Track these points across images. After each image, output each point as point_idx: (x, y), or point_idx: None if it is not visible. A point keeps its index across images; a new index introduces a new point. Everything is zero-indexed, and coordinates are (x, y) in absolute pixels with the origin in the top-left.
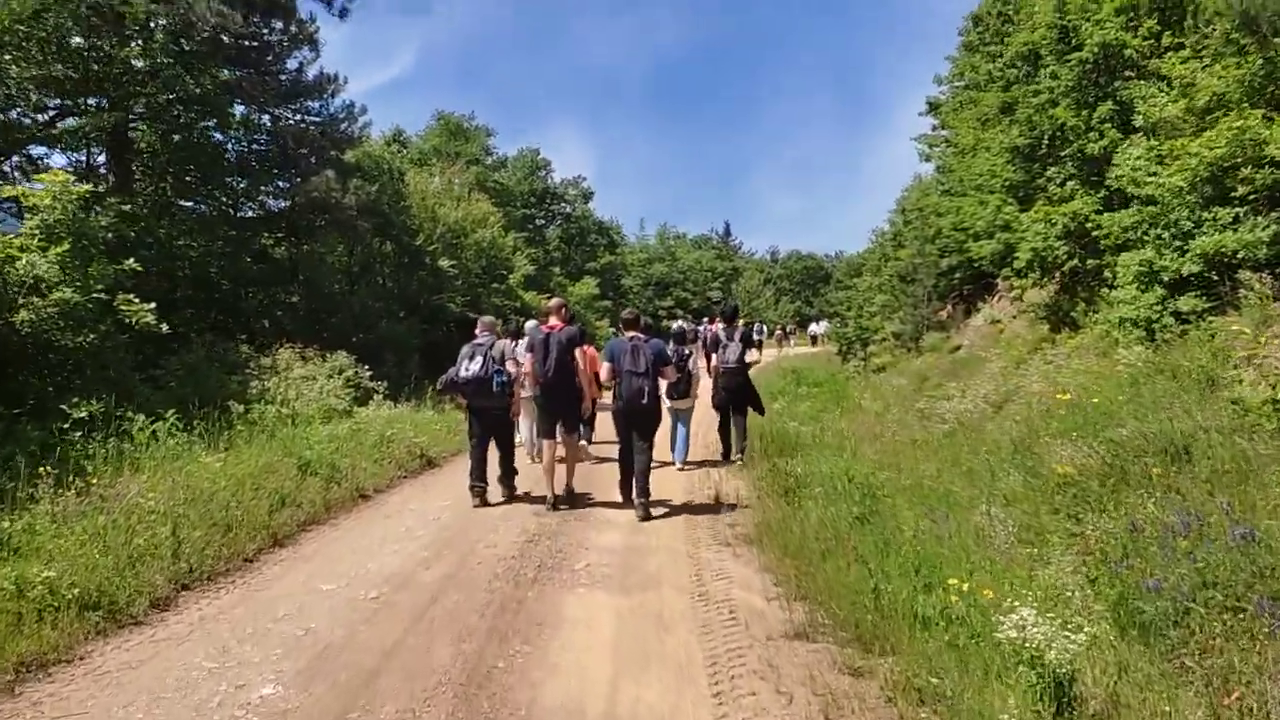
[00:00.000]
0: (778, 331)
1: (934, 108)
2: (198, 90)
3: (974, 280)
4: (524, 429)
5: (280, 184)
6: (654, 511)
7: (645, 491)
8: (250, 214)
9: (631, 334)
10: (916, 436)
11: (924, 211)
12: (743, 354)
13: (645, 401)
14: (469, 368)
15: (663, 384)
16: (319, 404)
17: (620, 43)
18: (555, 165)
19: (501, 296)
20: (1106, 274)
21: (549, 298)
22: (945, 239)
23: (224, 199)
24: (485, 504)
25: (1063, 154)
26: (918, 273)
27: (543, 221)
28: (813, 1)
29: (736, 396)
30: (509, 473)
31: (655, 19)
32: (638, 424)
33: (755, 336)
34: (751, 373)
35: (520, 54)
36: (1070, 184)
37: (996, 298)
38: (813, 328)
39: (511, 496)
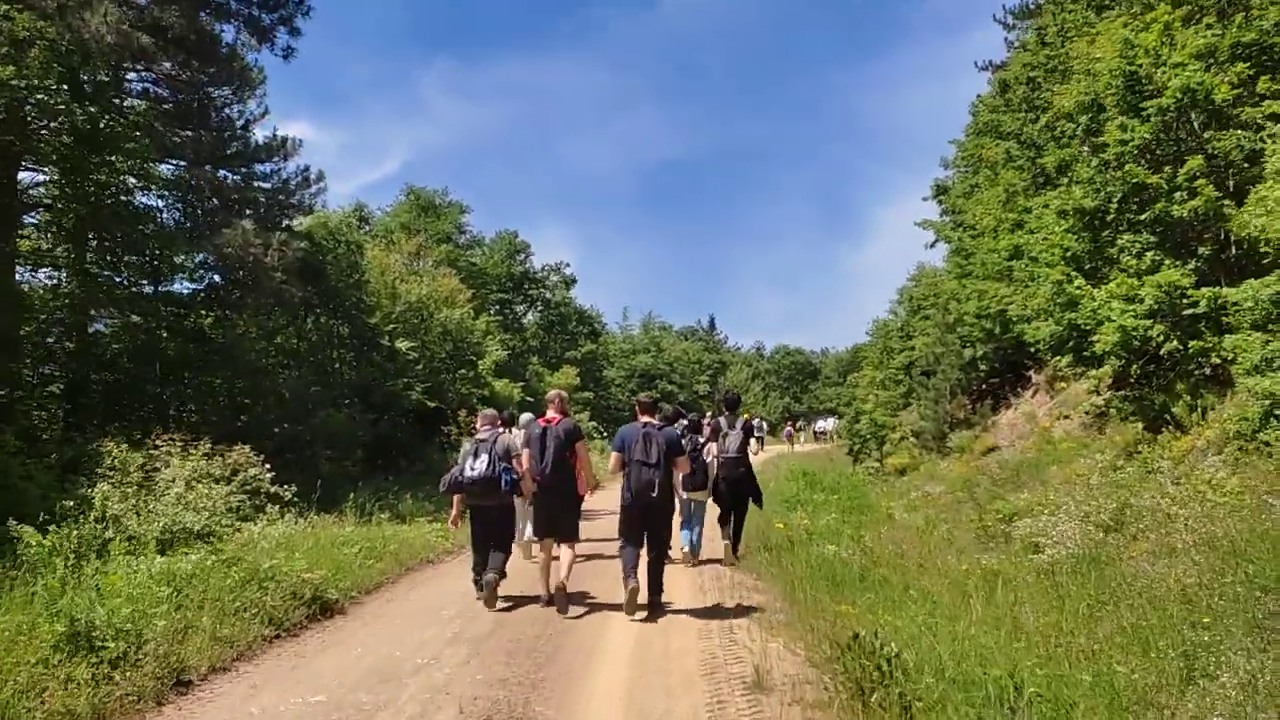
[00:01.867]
0: (787, 428)
1: (941, 191)
2: (94, 128)
3: (1001, 372)
4: (520, 529)
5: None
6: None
7: (659, 587)
8: (185, 289)
9: (645, 420)
10: (998, 568)
11: (940, 298)
12: (744, 444)
13: (655, 495)
14: (474, 466)
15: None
16: (168, 521)
17: (607, 151)
18: (535, 251)
19: (469, 384)
20: (1214, 359)
21: (522, 396)
22: (968, 326)
23: (147, 266)
24: (494, 597)
25: (1139, 218)
26: (939, 364)
27: (521, 307)
28: (793, 119)
29: (737, 488)
30: (500, 568)
31: (640, 131)
32: (647, 518)
33: (756, 433)
34: (757, 472)
35: (509, 159)
36: (1150, 254)
37: (1031, 392)
38: (819, 424)
39: (493, 594)
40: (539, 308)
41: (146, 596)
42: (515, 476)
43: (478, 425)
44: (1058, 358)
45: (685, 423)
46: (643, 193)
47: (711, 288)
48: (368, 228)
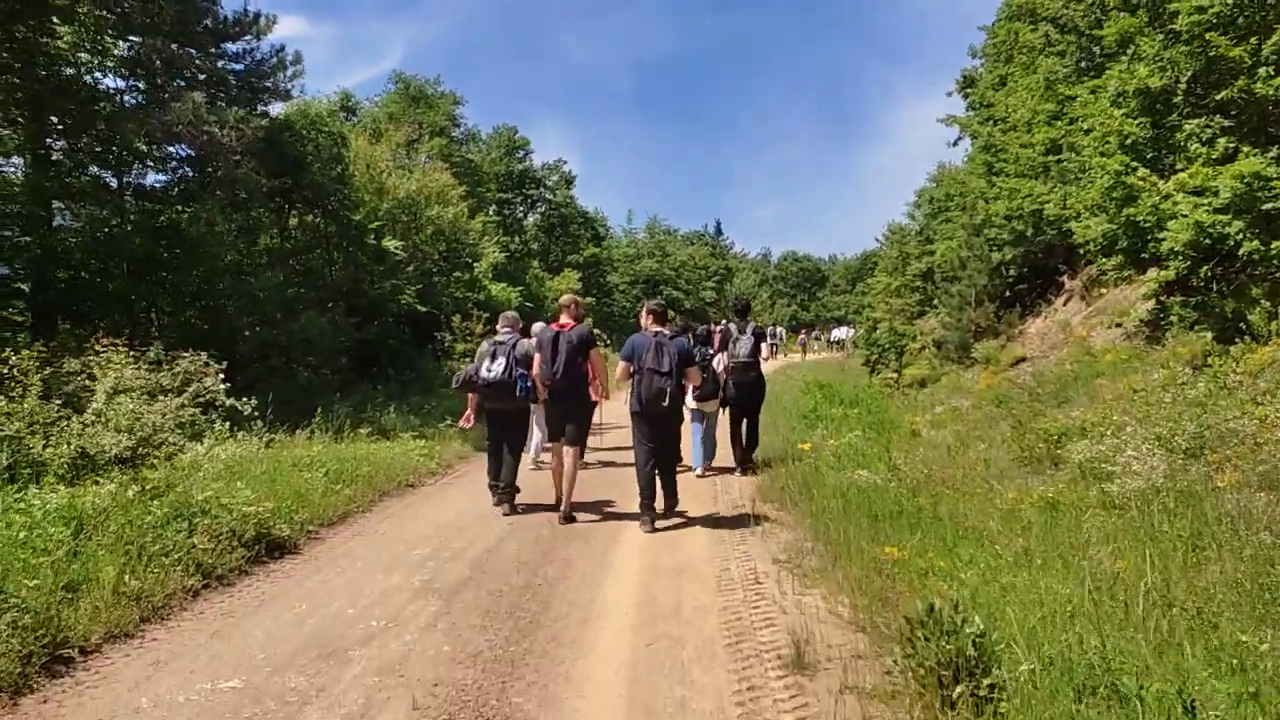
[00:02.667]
0: (801, 336)
1: (969, 83)
2: None
3: (1030, 277)
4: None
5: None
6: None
7: (673, 494)
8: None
9: (656, 329)
10: (1054, 497)
11: (965, 198)
12: (755, 349)
13: (666, 404)
14: (490, 368)
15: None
16: (81, 443)
17: (604, 46)
18: (535, 149)
19: (464, 288)
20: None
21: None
22: (996, 228)
23: (109, 155)
24: (514, 510)
25: (1213, 99)
26: (964, 269)
27: (520, 208)
28: (794, 12)
29: (748, 394)
30: (510, 484)
31: (639, 24)
32: (657, 427)
33: (772, 342)
34: (770, 384)
35: (504, 55)
36: (1223, 140)
37: (1064, 299)
38: (836, 333)
39: (503, 507)
40: (539, 209)
41: (34, 542)
42: (530, 382)
43: (498, 326)
44: (1104, 260)
45: (693, 334)
46: (641, 90)
47: (714, 192)
48: (354, 119)
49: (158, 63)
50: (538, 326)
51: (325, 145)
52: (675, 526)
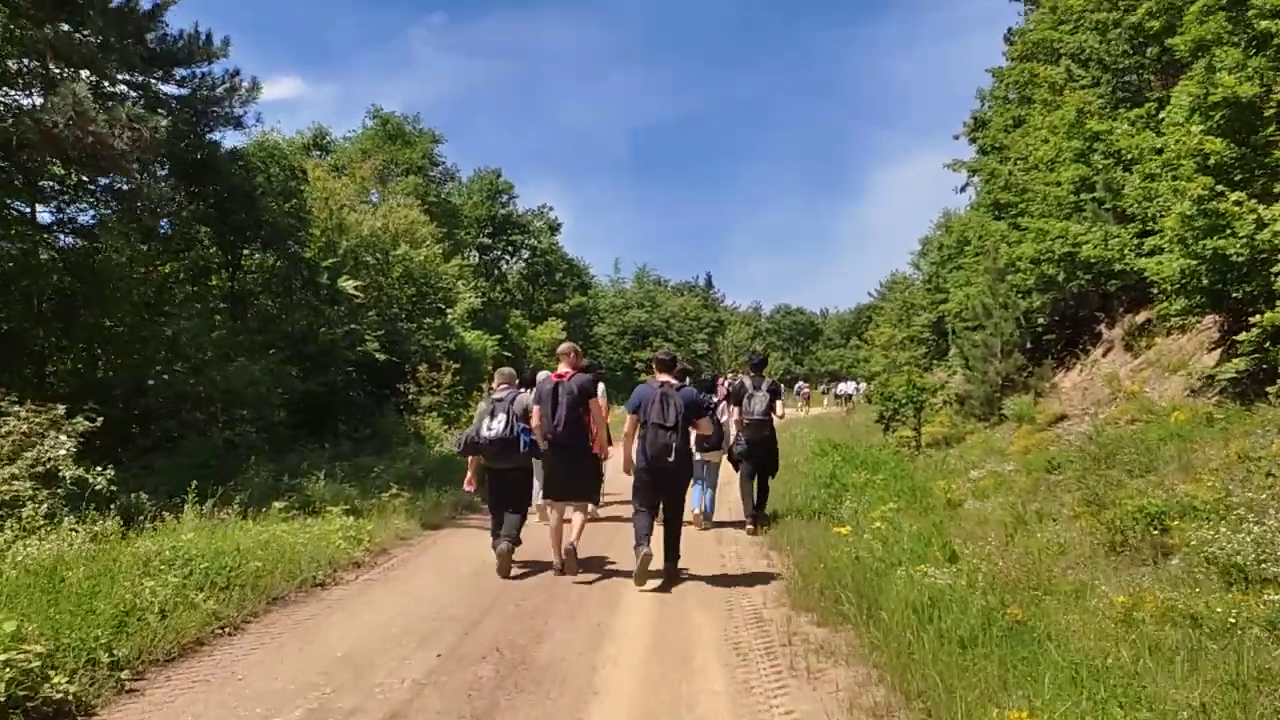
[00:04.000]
0: (804, 389)
1: (979, 125)
2: None
3: (1060, 326)
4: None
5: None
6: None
7: (676, 554)
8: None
9: (664, 379)
10: (1191, 609)
11: (984, 241)
12: (770, 406)
13: (672, 460)
14: (491, 427)
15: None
16: None
17: (599, 111)
18: (520, 194)
19: (431, 335)
20: None
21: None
22: (1023, 273)
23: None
24: (508, 566)
25: None
26: (989, 317)
27: (504, 255)
28: (784, 80)
29: (761, 451)
30: (515, 534)
31: (633, 90)
32: (664, 486)
33: (805, 391)
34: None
35: (499, 117)
36: None
37: (1103, 350)
38: (842, 387)
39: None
40: (523, 256)
41: None
42: (533, 438)
43: (495, 384)
44: (1167, 304)
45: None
46: (634, 153)
47: (703, 250)
48: (326, 156)
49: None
50: (541, 376)
51: (279, 178)
52: (679, 640)
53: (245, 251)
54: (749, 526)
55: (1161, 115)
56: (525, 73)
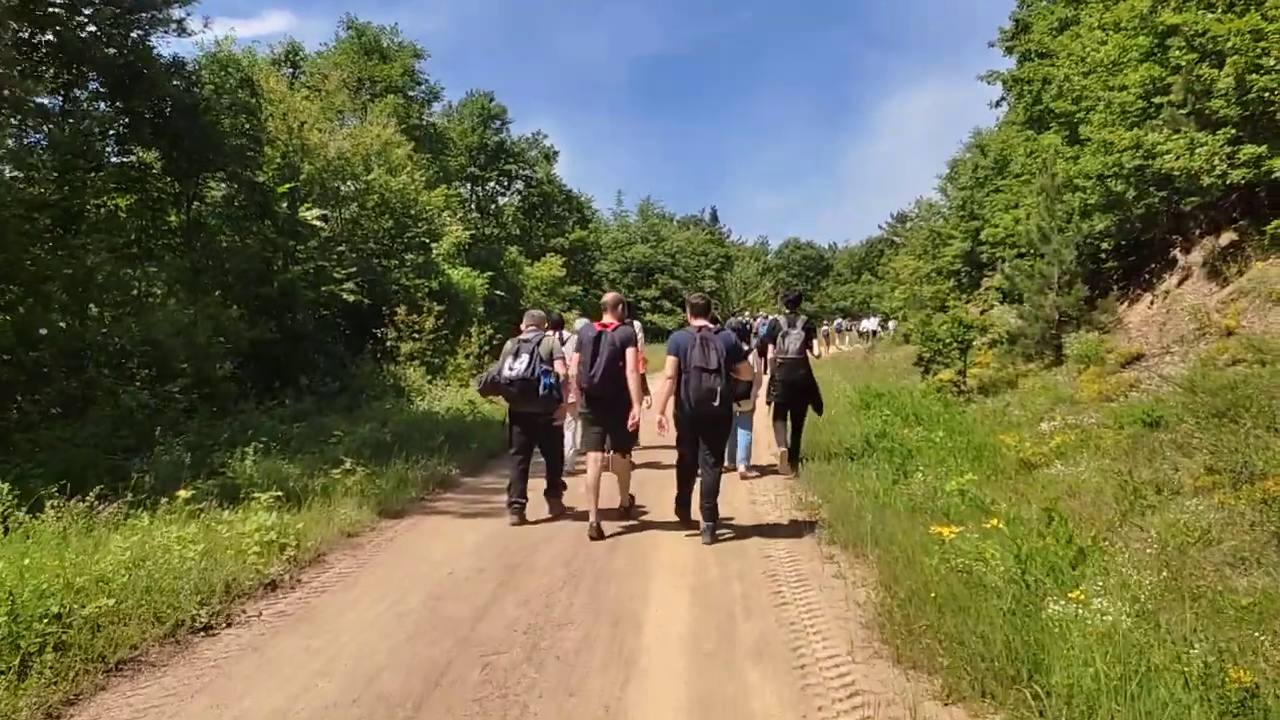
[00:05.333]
0: (824, 328)
1: (1021, 29)
2: None
3: (1124, 253)
4: (568, 437)
5: None
6: (720, 534)
7: (713, 512)
8: None
9: (700, 323)
10: None
11: (1034, 158)
12: (805, 344)
13: (717, 404)
14: (513, 366)
15: None
16: None
17: (599, 43)
18: (514, 120)
19: (412, 274)
20: None
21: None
22: (1084, 192)
23: None
24: (524, 521)
25: None
26: (1047, 242)
27: (497, 186)
28: (788, 4)
29: (797, 391)
30: (556, 486)
31: (634, 19)
32: (706, 432)
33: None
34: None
35: (497, 49)
36: None
37: (1179, 278)
38: (865, 323)
39: (561, 512)
40: (518, 188)
41: None
42: (555, 380)
43: (523, 325)
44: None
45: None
46: (636, 87)
47: (707, 185)
48: (299, 75)
49: None
50: (580, 322)
51: (232, 92)
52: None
53: (207, 181)
54: (784, 467)
55: None
56: (523, 4)
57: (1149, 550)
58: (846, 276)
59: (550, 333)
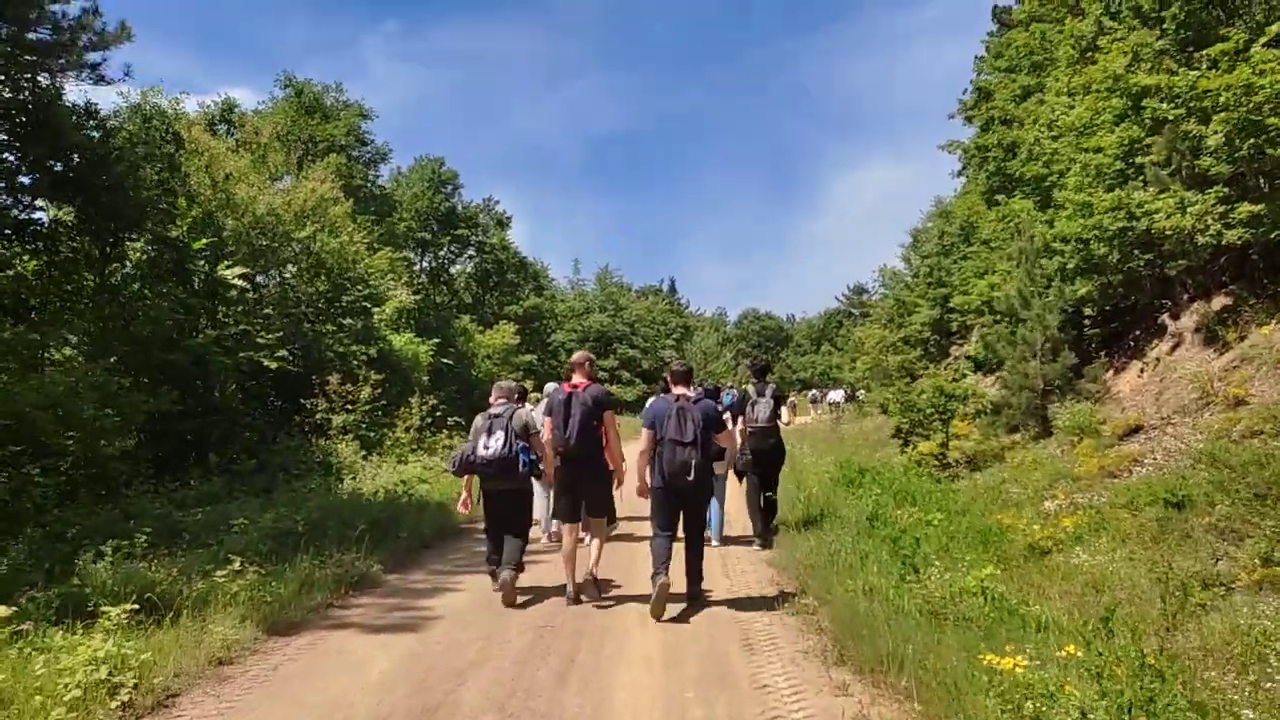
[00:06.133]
0: (791, 399)
1: (983, 97)
2: None
3: (1106, 320)
4: (539, 506)
5: None
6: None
7: (698, 577)
8: None
9: (679, 392)
10: None
11: (1008, 222)
12: (774, 413)
13: (691, 478)
14: (488, 444)
15: None
16: None
17: (554, 120)
18: (465, 185)
19: (348, 339)
20: None
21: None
22: (1065, 255)
23: None
24: (513, 596)
25: None
26: (1027, 308)
27: (449, 253)
28: (737, 85)
29: (768, 460)
30: (517, 560)
31: (588, 98)
32: (685, 505)
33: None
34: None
35: (454, 128)
36: None
37: (1171, 345)
38: (832, 395)
39: (509, 590)
40: (469, 254)
41: None
42: (534, 457)
43: (492, 399)
44: None
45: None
46: (590, 162)
47: (661, 258)
48: (233, 134)
49: None
50: (550, 387)
51: (153, 143)
52: None
53: (126, 241)
54: (758, 544)
55: (1252, 51)
56: (479, 81)
57: (1231, 672)
58: (806, 347)
59: (523, 405)
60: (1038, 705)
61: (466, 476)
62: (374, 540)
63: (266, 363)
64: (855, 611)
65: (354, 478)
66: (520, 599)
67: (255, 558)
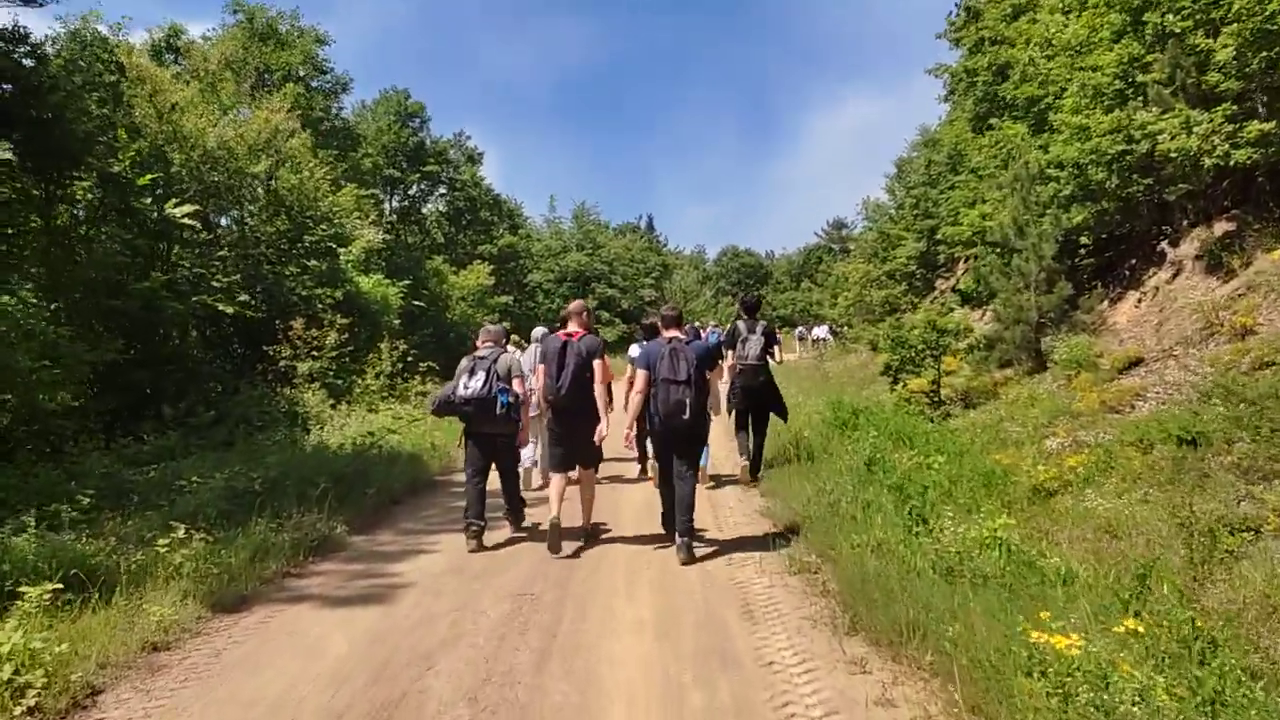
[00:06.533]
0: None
1: (971, 17)
2: None
3: (1101, 248)
4: (526, 453)
5: None
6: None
7: (689, 528)
8: None
9: (671, 335)
10: None
11: (999, 148)
12: (765, 350)
13: (687, 417)
14: (468, 384)
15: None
16: None
17: (525, 57)
18: (433, 118)
19: (312, 282)
20: None
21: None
22: (1061, 181)
23: None
24: (482, 547)
25: None
26: (1022, 237)
27: (418, 190)
28: (710, 18)
29: (759, 397)
30: (516, 506)
31: (559, 34)
32: (679, 444)
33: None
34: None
35: (423, 65)
36: None
37: (1171, 273)
38: (818, 331)
39: (518, 532)
40: (440, 192)
41: None
42: (512, 399)
43: (479, 342)
44: None
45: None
46: (563, 100)
47: (637, 199)
48: (182, 63)
49: None
50: (539, 332)
51: (93, 72)
52: None
53: (72, 179)
54: (745, 477)
55: None
56: (448, 17)
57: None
58: (786, 284)
59: (510, 349)
60: (1091, 691)
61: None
62: (339, 498)
63: (223, 307)
64: (864, 571)
65: (321, 428)
66: (498, 549)
67: (204, 522)
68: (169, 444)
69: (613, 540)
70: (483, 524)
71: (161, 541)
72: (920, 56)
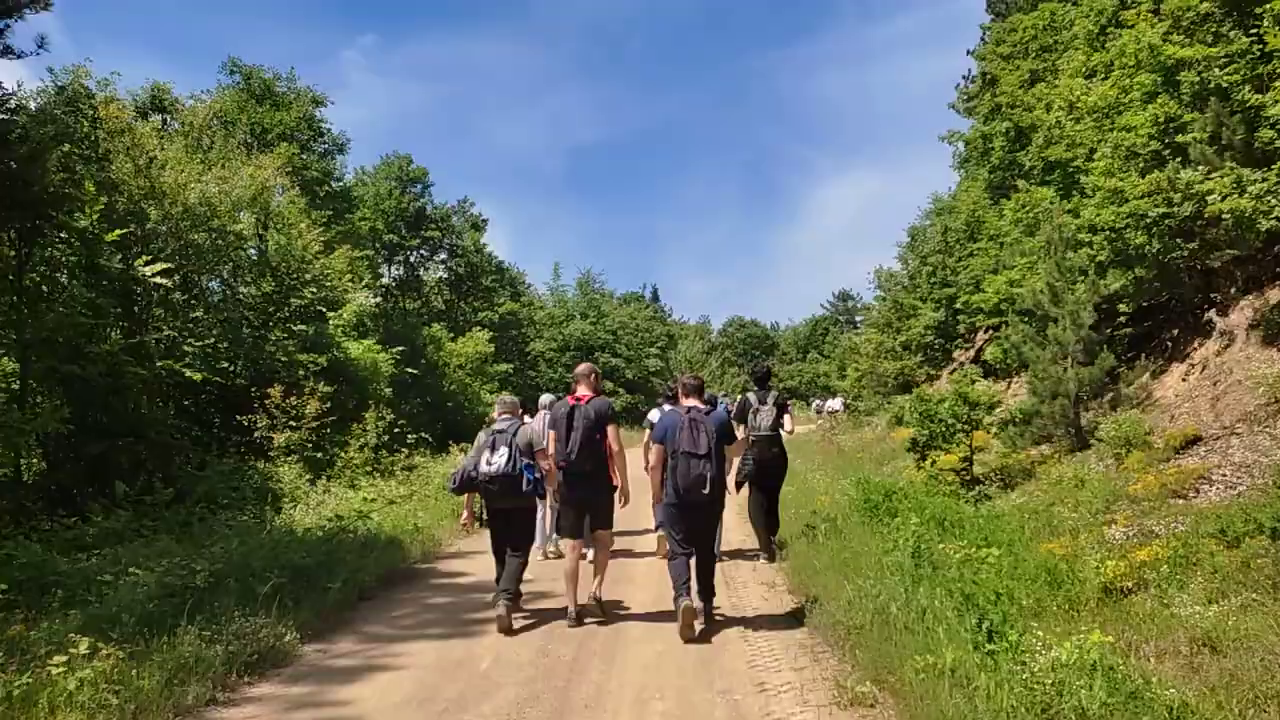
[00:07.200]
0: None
1: (987, 84)
2: None
3: (1138, 318)
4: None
5: None
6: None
7: (710, 592)
8: None
9: (690, 404)
10: None
11: (1028, 211)
12: (777, 421)
13: (707, 492)
14: (491, 461)
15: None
16: None
17: (535, 132)
18: (435, 184)
19: (294, 347)
20: None
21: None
22: (1095, 247)
23: None
24: (511, 629)
25: None
26: (1057, 304)
27: (419, 256)
28: (716, 97)
29: (770, 469)
30: (515, 587)
31: (569, 110)
32: (697, 521)
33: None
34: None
35: (435, 141)
36: None
37: (1219, 342)
38: (830, 404)
39: (513, 609)
40: (440, 258)
41: None
42: (538, 475)
43: (496, 414)
44: None
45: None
46: (572, 174)
47: (642, 270)
48: (171, 125)
49: None
50: (547, 399)
51: (69, 124)
52: None
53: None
54: (763, 557)
55: None
56: (459, 95)
57: None
58: (792, 355)
59: (527, 420)
60: None
61: (466, 495)
62: (296, 595)
63: (190, 374)
64: (941, 712)
65: (295, 506)
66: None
67: (124, 629)
68: (116, 526)
69: (624, 639)
70: (513, 595)
71: (56, 660)
72: (918, 132)
